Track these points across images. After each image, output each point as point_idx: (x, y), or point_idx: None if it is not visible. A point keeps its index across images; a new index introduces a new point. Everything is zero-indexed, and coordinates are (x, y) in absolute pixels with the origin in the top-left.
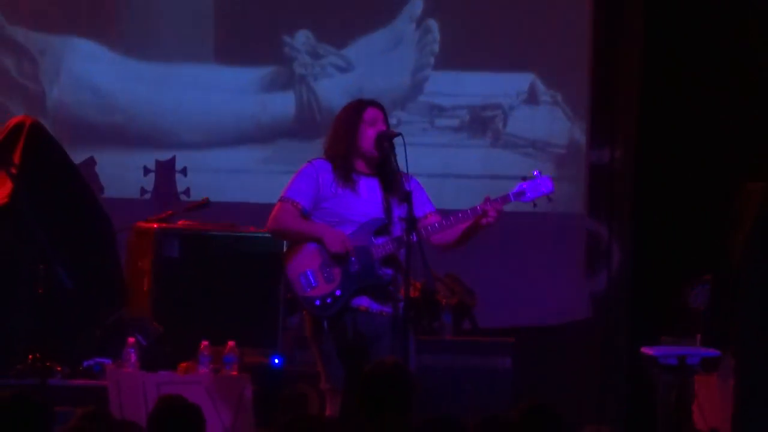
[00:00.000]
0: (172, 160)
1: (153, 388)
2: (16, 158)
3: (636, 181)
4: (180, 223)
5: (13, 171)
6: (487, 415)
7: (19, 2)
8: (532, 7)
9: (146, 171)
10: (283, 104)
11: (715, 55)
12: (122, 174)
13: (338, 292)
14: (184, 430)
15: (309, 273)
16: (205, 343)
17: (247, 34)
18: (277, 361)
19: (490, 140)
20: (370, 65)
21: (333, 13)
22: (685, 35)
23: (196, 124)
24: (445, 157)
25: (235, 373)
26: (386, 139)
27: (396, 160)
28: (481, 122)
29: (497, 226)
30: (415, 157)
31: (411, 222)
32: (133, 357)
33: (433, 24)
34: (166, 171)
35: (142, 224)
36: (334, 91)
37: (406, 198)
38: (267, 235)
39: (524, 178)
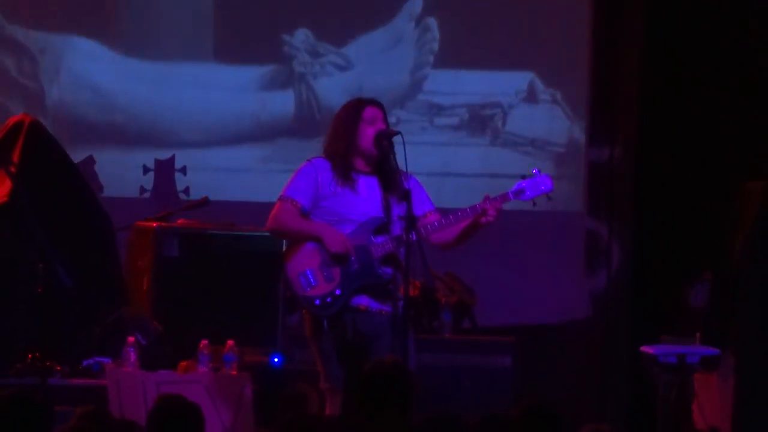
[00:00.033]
0: (172, 159)
1: (153, 387)
2: (16, 157)
3: (636, 180)
4: (179, 222)
5: (13, 170)
6: (486, 414)
7: (19, 1)
8: (531, 5)
9: (146, 170)
10: (283, 103)
11: (715, 55)
12: (122, 173)
13: (338, 292)
14: (184, 429)
15: (308, 272)
16: (204, 342)
17: (246, 33)
18: (276, 360)
19: (489, 139)
20: (370, 64)
21: (332, 12)
22: (685, 35)
23: (195, 123)
24: (444, 156)
25: (234, 372)
26: (385, 138)
27: (395, 159)
28: (480, 121)
29: (497, 225)
30: (415, 155)
31: (410, 221)
32: (132, 356)
33: (432, 22)
34: (165, 170)
35: (142, 223)
36: (333, 89)
37: (406, 197)
38: (266, 234)
39: (523, 177)
